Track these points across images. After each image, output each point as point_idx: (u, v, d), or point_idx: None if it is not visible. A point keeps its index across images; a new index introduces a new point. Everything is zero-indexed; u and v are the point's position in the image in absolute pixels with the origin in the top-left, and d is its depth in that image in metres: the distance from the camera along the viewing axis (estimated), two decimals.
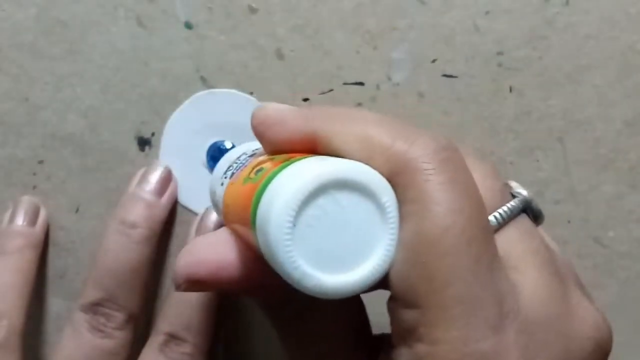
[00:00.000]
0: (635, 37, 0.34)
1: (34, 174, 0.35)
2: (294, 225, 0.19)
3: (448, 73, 0.34)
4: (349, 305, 0.23)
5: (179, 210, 0.35)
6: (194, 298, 0.33)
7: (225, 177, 0.25)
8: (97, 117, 0.35)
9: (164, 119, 0.35)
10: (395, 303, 0.20)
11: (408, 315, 0.20)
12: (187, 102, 0.34)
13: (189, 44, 0.34)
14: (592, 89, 0.34)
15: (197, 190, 0.35)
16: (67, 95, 0.35)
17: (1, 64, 0.34)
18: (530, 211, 0.23)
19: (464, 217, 0.19)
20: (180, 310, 0.33)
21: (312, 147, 0.22)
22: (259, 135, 0.23)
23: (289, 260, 0.19)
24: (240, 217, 0.22)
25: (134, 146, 0.35)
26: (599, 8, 0.34)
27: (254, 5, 0.34)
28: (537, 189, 0.35)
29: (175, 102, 0.34)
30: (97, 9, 0.34)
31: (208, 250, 0.22)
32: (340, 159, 0.21)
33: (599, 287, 0.35)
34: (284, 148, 0.22)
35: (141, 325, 0.34)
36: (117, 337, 0.32)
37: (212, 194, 0.27)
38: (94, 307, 0.32)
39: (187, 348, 0.32)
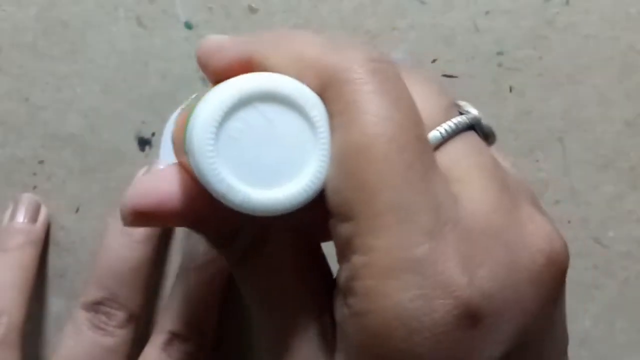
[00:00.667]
0: (635, 37, 0.34)
1: (34, 174, 0.35)
2: (217, 138, 0.19)
3: (448, 73, 0.34)
4: (304, 243, 0.23)
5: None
6: (197, 297, 0.33)
7: (176, 116, 0.25)
8: (97, 117, 0.35)
9: (164, 119, 0.35)
10: (333, 220, 0.20)
11: (344, 228, 0.19)
12: (187, 102, 0.34)
13: (189, 44, 0.34)
14: (592, 89, 0.34)
15: None
16: (67, 95, 0.35)
17: (1, 64, 0.35)
18: (480, 129, 0.22)
19: (393, 125, 0.19)
20: (182, 308, 0.33)
21: (250, 71, 0.21)
22: (202, 66, 0.23)
23: (212, 173, 0.19)
24: (178, 145, 0.21)
25: (134, 146, 0.35)
26: (599, 8, 0.34)
27: (254, 5, 0.34)
28: (537, 189, 0.35)
29: (175, 102, 0.34)
30: (97, 9, 0.34)
31: (152, 183, 0.22)
32: (267, 73, 0.20)
33: (599, 287, 0.35)
34: (225, 75, 0.22)
35: (142, 323, 0.34)
36: (118, 335, 0.32)
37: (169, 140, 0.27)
38: (95, 306, 0.32)
39: (189, 347, 0.32)
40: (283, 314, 0.22)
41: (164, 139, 0.35)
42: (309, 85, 0.20)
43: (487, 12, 0.34)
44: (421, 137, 0.20)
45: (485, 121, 0.22)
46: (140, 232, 0.33)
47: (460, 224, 0.19)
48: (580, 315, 0.35)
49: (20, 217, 0.34)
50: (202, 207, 0.22)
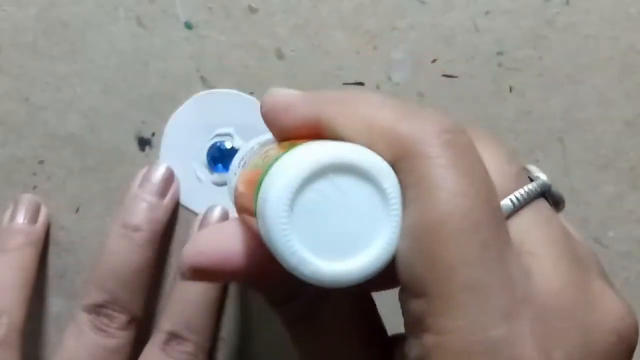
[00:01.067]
0: (635, 37, 0.34)
1: (34, 174, 0.35)
2: (291, 209, 0.19)
3: (448, 73, 0.34)
4: (359, 301, 0.23)
5: (180, 211, 0.35)
6: (196, 297, 0.33)
7: (239, 167, 0.25)
8: (97, 117, 0.35)
9: (164, 119, 0.35)
10: (403, 294, 0.20)
11: (415, 305, 0.19)
12: (187, 102, 0.34)
13: (189, 44, 0.34)
14: (592, 89, 0.34)
15: (198, 191, 0.35)
16: (67, 95, 0.35)
17: (1, 64, 0.35)
18: (550, 196, 0.22)
19: (468, 201, 0.19)
20: (182, 309, 0.33)
21: (319, 133, 0.21)
22: (268, 123, 0.23)
23: (285, 245, 0.19)
24: (246, 203, 0.21)
25: (134, 146, 0.35)
26: (599, 8, 0.34)
27: (254, 5, 0.34)
28: None
29: (175, 102, 0.35)
30: (97, 9, 0.34)
31: (213, 239, 0.22)
32: (341, 142, 0.20)
33: None
34: (292, 134, 0.22)
35: (143, 324, 0.34)
36: (119, 337, 0.32)
37: (229, 189, 0.27)
38: (97, 309, 0.32)
39: (188, 347, 0.32)
40: None
41: (164, 138, 0.35)
42: (380, 154, 0.20)
43: (487, 12, 0.34)
44: (495, 212, 0.19)
45: (555, 187, 0.22)
46: (141, 236, 0.33)
47: (535, 302, 0.19)
48: None
49: (20, 218, 0.34)
50: (264, 268, 0.21)
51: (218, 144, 0.35)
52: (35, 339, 0.36)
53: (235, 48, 0.34)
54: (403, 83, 0.34)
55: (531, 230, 0.20)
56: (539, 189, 0.21)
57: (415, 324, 0.19)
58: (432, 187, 0.19)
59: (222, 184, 0.35)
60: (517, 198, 0.20)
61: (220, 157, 0.35)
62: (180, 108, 0.34)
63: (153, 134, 0.35)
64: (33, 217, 0.34)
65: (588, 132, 0.34)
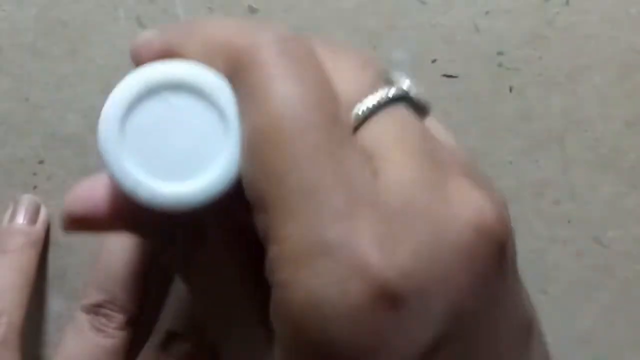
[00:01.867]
0: (635, 37, 0.34)
1: (34, 174, 0.35)
2: (123, 130, 0.18)
3: (448, 73, 0.34)
4: (238, 238, 0.22)
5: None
6: None
7: None
8: (97, 117, 0.35)
9: None
10: (254, 214, 0.19)
11: (260, 220, 0.19)
12: None
13: None
14: (592, 89, 0.34)
15: None
16: (67, 95, 0.35)
17: (1, 64, 0.35)
18: (411, 102, 0.21)
19: (297, 104, 0.18)
20: (181, 308, 0.33)
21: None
22: (134, 62, 0.22)
23: (119, 167, 0.18)
24: None
25: None
26: (599, 8, 0.34)
27: (254, 5, 0.34)
28: (537, 189, 0.35)
29: None
30: (97, 9, 0.34)
31: (85, 189, 0.22)
32: (176, 61, 0.20)
33: (599, 287, 0.35)
34: None
35: (142, 325, 0.34)
36: (118, 337, 0.32)
37: None
38: (95, 308, 0.32)
39: (188, 347, 0.32)
40: (226, 310, 0.21)
41: None
42: (218, 71, 0.19)
43: (487, 12, 0.34)
44: (330, 115, 0.19)
45: (417, 92, 0.21)
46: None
47: (378, 202, 0.18)
48: (580, 316, 0.35)
49: (20, 219, 0.34)
50: (130, 212, 0.21)
51: None
52: (35, 339, 0.36)
53: None
54: None
55: (384, 135, 0.20)
56: (392, 94, 0.20)
57: (264, 240, 0.19)
58: (262, 94, 0.18)
59: None
60: (367, 107, 0.20)
61: None
62: None
63: None
64: (33, 218, 0.34)
65: (588, 132, 0.34)
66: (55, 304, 0.36)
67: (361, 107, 0.20)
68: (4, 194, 0.35)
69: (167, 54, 0.21)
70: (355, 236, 0.17)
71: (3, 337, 0.32)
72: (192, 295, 0.23)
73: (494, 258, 0.19)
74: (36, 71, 0.34)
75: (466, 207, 0.19)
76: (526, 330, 0.21)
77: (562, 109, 0.34)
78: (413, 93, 0.21)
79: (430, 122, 0.22)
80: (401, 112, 0.20)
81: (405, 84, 0.21)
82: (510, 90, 0.34)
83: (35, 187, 0.35)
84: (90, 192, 0.22)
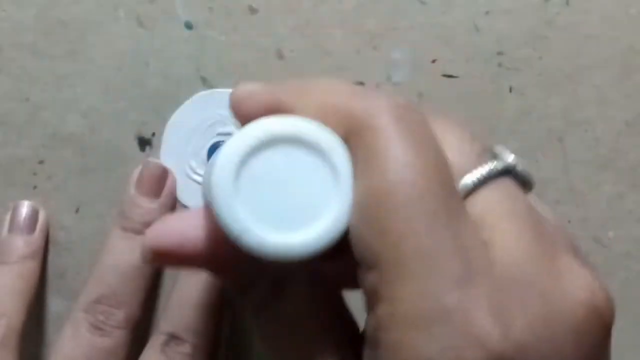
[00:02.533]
0: (635, 37, 0.34)
1: (34, 174, 0.35)
2: (238, 177, 0.19)
3: (448, 73, 0.34)
4: (323, 290, 0.22)
5: (179, 210, 0.35)
6: (196, 299, 0.33)
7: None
8: (98, 117, 0.35)
9: (164, 119, 0.35)
10: (359, 271, 0.19)
11: (369, 277, 0.19)
12: (187, 102, 0.34)
13: (189, 44, 0.34)
14: (592, 89, 0.34)
15: (198, 191, 0.35)
16: (67, 95, 0.35)
17: (2, 64, 0.35)
18: (517, 176, 0.21)
19: (415, 171, 0.19)
20: (181, 310, 0.33)
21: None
22: (234, 113, 0.23)
23: (229, 212, 0.19)
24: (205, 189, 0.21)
25: (135, 146, 0.35)
26: (599, 8, 0.34)
27: (254, 5, 0.34)
28: (537, 189, 0.34)
29: (176, 102, 0.35)
30: (97, 9, 0.34)
31: (175, 224, 0.22)
32: (293, 116, 0.20)
33: None
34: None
35: (142, 326, 0.34)
36: (116, 336, 0.32)
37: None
38: (94, 305, 0.32)
39: (188, 348, 0.32)
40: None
41: (164, 139, 0.35)
42: (333, 131, 0.20)
43: (487, 12, 0.34)
44: (446, 184, 0.19)
45: (522, 167, 0.21)
46: (140, 237, 0.33)
47: (492, 272, 0.18)
48: None
49: (18, 229, 0.34)
50: (223, 254, 0.21)
51: (218, 144, 0.35)
52: (35, 339, 0.36)
53: (235, 48, 0.34)
54: (403, 83, 0.34)
55: (493, 205, 0.20)
56: (500, 168, 0.21)
57: (370, 297, 0.19)
58: (380, 159, 0.19)
59: None
60: (477, 178, 0.20)
61: None
62: (180, 108, 0.34)
63: (153, 134, 0.35)
64: (31, 227, 0.34)
65: (588, 132, 0.34)
66: (54, 304, 0.36)
67: (471, 178, 0.20)
68: (4, 194, 0.35)
69: (276, 109, 0.21)
70: (472, 304, 0.18)
71: (1, 338, 0.32)
72: (262, 343, 0.23)
73: (602, 339, 0.19)
74: (36, 71, 0.34)
75: (578, 285, 0.19)
76: None
77: (562, 109, 0.34)
78: (520, 168, 0.21)
79: (532, 197, 0.22)
80: (509, 185, 0.21)
81: (511, 157, 0.21)
82: (510, 90, 0.34)
83: (35, 187, 0.35)
84: (179, 229, 0.22)
